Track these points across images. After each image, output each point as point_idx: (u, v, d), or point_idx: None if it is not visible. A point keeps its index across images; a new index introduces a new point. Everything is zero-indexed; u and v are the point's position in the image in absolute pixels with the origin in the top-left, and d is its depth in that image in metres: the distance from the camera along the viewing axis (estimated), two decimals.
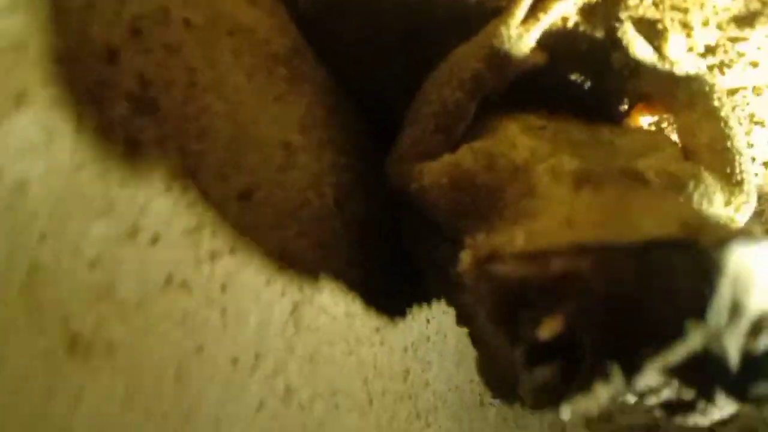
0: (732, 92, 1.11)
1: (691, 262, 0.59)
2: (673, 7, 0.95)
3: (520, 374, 0.68)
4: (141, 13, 0.70)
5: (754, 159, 1.23)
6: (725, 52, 1.02)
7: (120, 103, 0.64)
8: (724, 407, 0.64)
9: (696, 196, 0.87)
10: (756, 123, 1.16)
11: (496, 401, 1.56)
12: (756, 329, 0.62)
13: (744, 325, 0.61)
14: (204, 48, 0.79)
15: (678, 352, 0.59)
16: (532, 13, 0.97)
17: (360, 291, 1.04)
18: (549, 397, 0.65)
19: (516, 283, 0.70)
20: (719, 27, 0.97)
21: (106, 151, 0.63)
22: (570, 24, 1.00)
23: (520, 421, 1.63)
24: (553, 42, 1.02)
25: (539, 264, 0.67)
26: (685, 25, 0.98)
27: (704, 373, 0.61)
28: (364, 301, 1.05)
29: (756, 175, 1.25)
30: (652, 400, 0.65)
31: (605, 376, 0.61)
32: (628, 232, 0.65)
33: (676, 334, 0.59)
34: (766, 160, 1.25)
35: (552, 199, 0.82)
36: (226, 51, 0.83)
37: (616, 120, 1.12)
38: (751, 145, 1.21)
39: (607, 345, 0.62)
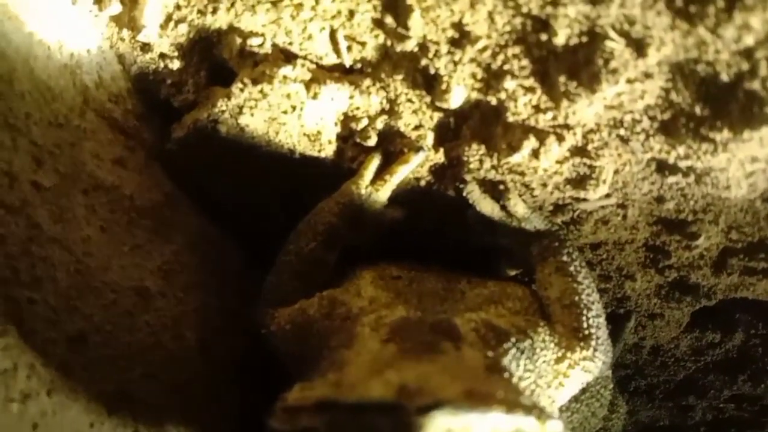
0: (594, 247, 1.15)
1: (393, 426, 0.61)
2: (511, 170, 1.02)
3: None
4: None
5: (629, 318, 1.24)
6: (573, 210, 1.06)
7: None
8: None
9: (513, 351, 0.89)
10: (625, 277, 1.18)
11: None
12: None
13: None
14: (51, 206, 0.89)
15: None
16: (380, 174, 1.05)
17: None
18: None
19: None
20: (557, 188, 1.03)
21: None
22: (423, 183, 1.08)
23: None
24: (411, 198, 1.10)
25: (293, 419, 0.71)
26: (526, 186, 1.04)
27: None
28: None
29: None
30: None
31: None
32: (360, 399, 0.68)
33: None
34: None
35: (363, 352, 0.86)
36: (79, 207, 0.93)
37: (492, 273, 1.15)
38: (627, 299, 1.22)
39: None
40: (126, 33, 1.02)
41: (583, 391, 1.05)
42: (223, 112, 1.01)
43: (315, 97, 0.99)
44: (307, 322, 0.98)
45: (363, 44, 0.97)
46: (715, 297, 1.19)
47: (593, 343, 0.99)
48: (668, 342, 1.30)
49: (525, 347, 0.91)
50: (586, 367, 0.97)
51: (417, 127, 1.02)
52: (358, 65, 1.00)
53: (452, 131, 1.03)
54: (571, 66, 0.87)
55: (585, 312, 1.01)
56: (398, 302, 0.98)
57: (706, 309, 1.23)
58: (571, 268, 1.04)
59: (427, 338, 0.84)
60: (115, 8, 0.99)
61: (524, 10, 0.85)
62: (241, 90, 0.99)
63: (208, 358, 1.08)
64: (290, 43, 0.99)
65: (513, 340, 0.90)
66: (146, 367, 0.97)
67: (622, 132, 0.92)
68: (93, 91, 1.00)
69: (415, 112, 1.01)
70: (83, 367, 0.89)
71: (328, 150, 1.05)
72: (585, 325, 1.00)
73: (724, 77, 0.80)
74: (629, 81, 0.85)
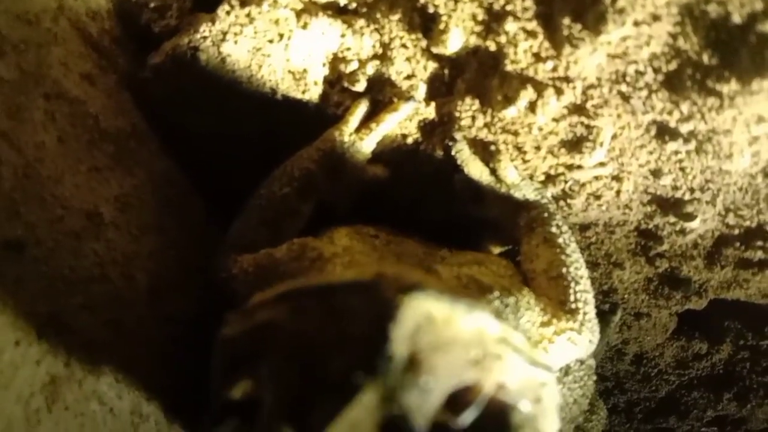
0: (584, 228, 1.09)
1: (368, 306, 0.53)
2: (504, 130, 0.97)
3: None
4: None
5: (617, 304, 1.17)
6: (565, 181, 1.01)
7: None
8: None
9: (497, 303, 0.81)
10: (614, 265, 1.11)
11: None
12: (457, 403, 0.54)
13: (434, 392, 0.53)
14: (6, 99, 0.81)
15: (356, 411, 0.51)
16: (366, 122, 1.00)
17: (163, 394, 0.96)
18: None
19: (228, 341, 0.64)
20: (551, 152, 0.98)
21: None
22: (410, 141, 1.02)
23: None
24: (396, 158, 1.03)
25: (248, 318, 0.62)
26: (519, 149, 0.98)
27: None
28: (165, 406, 0.96)
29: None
30: None
31: None
32: (329, 283, 0.60)
33: (349, 389, 0.51)
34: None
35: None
36: (37, 110, 0.85)
37: (472, 247, 1.08)
38: (614, 291, 1.15)
39: (284, 404, 0.55)
40: None
41: (566, 373, 0.97)
42: (205, 38, 0.95)
43: (305, 27, 0.94)
44: (272, 264, 0.90)
45: None
46: (706, 295, 1.12)
47: (580, 317, 0.92)
48: (653, 349, 1.22)
49: (509, 302, 0.83)
50: (571, 338, 0.89)
51: (409, 77, 0.97)
52: (353, 5, 0.96)
53: (446, 85, 0.98)
54: (576, 6, 0.83)
55: (572, 285, 0.94)
56: (374, 255, 0.91)
57: (695, 315, 1.16)
58: (560, 240, 0.97)
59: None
60: None
61: None
62: (227, 13, 0.94)
63: (156, 307, 0.97)
64: None
65: (496, 293, 0.83)
66: (87, 298, 0.87)
67: (623, 88, 0.88)
68: (70, 0, 0.94)
69: (408, 59, 0.96)
70: (16, 279, 0.78)
71: (312, 92, 1.00)
72: (572, 298, 0.93)
73: (736, 18, 0.77)
74: (636, 23, 0.81)
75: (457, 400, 0.54)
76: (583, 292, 0.95)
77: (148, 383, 0.94)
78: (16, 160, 0.81)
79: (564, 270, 0.95)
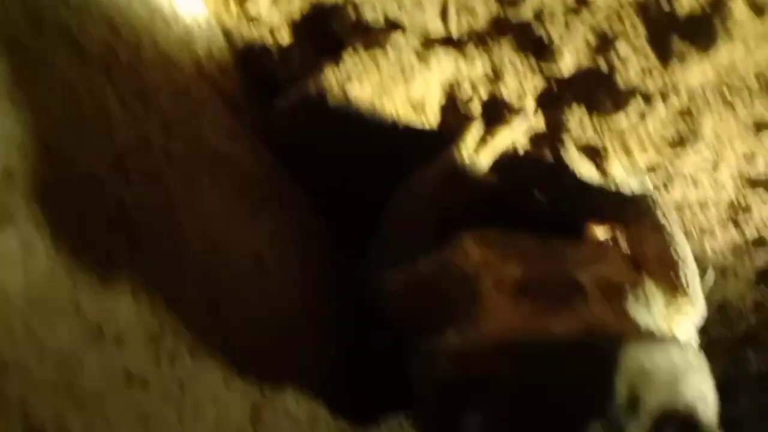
0: (678, 208, 1.19)
1: (590, 364, 0.65)
2: (612, 134, 1.05)
3: None
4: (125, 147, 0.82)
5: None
6: (666, 170, 1.11)
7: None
8: None
9: (632, 300, 0.93)
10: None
11: None
12: (658, 424, 0.67)
13: (644, 419, 0.66)
14: (182, 173, 0.90)
15: None
16: (483, 141, 1.08)
17: (327, 394, 1.10)
18: None
19: (444, 388, 0.76)
20: (656, 150, 1.07)
21: (80, 264, 0.72)
22: (520, 149, 1.11)
23: None
24: (506, 165, 1.13)
25: (463, 364, 0.74)
26: (626, 149, 1.08)
27: None
28: (330, 404, 1.10)
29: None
30: None
31: None
32: (544, 338, 0.72)
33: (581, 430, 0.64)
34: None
35: (493, 308, 0.90)
36: (204, 176, 0.95)
37: (574, 234, 1.19)
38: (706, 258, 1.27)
39: None
40: (233, 7, 1.03)
41: None
42: (330, 80, 1.03)
43: (425, 63, 1.01)
44: (423, 283, 1.01)
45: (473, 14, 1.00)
46: None
47: (691, 294, 1.04)
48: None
49: (640, 296, 0.95)
50: (689, 314, 1.02)
51: (520, 95, 1.06)
52: (465, 38, 1.03)
53: (555, 97, 1.06)
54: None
55: (682, 266, 1.06)
56: (506, 261, 1.02)
57: None
58: (666, 227, 1.08)
59: (558, 293, 0.89)
60: None
61: None
62: (351, 56, 1.01)
63: (311, 320, 1.11)
64: (400, 15, 1.01)
65: (629, 291, 0.94)
66: (263, 331, 0.99)
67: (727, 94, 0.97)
68: (205, 62, 1.01)
69: (519, 80, 1.04)
70: (215, 330, 0.90)
71: (430, 118, 1.08)
72: (683, 279, 1.05)
73: None
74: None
75: (657, 423, 0.67)
76: (691, 271, 1.06)
77: (317, 387, 1.08)
78: (200, 228, 0.91)
79: (673, 254, 1.06)
